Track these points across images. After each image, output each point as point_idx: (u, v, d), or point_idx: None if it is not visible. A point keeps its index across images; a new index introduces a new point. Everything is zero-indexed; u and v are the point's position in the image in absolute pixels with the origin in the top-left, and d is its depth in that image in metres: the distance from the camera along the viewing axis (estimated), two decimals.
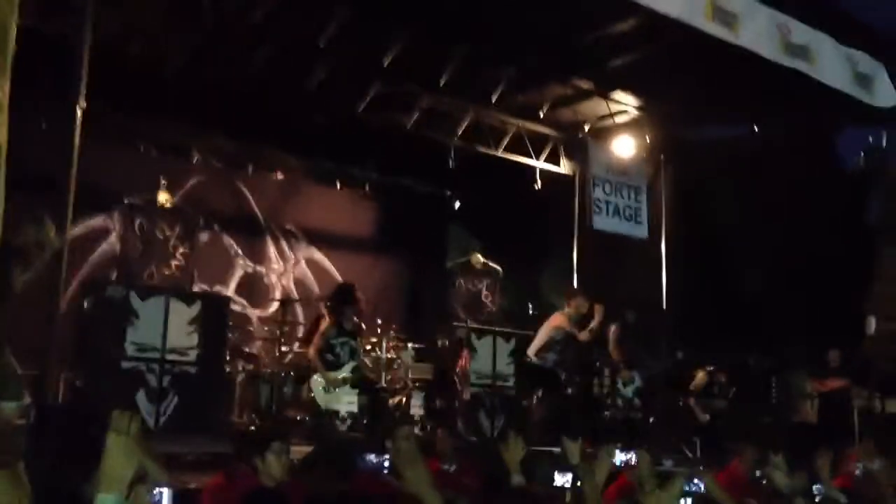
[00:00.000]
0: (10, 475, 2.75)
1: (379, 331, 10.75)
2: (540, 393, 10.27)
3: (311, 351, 8.81)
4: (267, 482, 4.78)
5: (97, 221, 10.96)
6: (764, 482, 5.41)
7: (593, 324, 10.12)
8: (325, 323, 8.99)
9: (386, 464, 5.47)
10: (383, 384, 9.66)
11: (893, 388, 11.31)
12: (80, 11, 7.70)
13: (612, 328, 10.61)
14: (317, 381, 8.63)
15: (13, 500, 2.67)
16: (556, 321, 10.26)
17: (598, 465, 4.80)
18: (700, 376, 11.20)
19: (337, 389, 8.65)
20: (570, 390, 10.57)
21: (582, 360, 10.98)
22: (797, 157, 12.78)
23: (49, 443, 2.65)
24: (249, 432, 8.21)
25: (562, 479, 5.49)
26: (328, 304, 9.34)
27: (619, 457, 5.60)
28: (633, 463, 5.71)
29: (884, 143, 11.47)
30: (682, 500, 4.10)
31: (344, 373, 8.68)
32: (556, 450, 9.17)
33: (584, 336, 10.14)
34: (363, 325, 9.34)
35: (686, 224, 12.55)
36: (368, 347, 10.31)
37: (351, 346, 8.83)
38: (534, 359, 10.18)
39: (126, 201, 9.78)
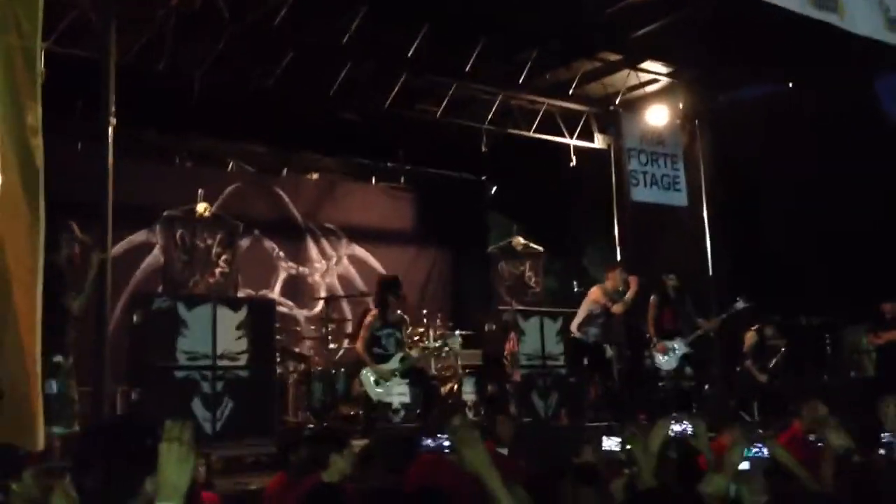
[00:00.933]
0: (60, 492, 2.82)
1: (426, 320, 10.79)
2: (587, 368, 10.22)
3: (359, 345, 8.87)
4: (332, 477, 4.82)
5: (139, 237, 11.16)
6: (820, 444, 5.31)
7: (627, 296, 10.04)
8: (369, 317, 9.04)
9: (446, 443, 5.47)
10: (433, 373, 9.68)
11: None
12: (103, 32, 7.82)
13: (651, 299, 10.49)
14: (367, 374, 8.68)
15: None
16: (593, 295, 10.23)
17: (652, 433, 4.77)
18: (749, 336, 11.05)
19: (388, 381, 8.69)
20: (618, 364, 10.49)
21: (630, 333, 10.90)
22: (836, 112, 12.53)
23: (96, 456, 2.68)
24: (317, 430, 8.30)
25: (608, 444, 5.45)
26: (374, 297, 9.38)
27: (675, 427, 5.53)
28: (689, 432, 5.64)
29: None
30: (745, 466, 4.01)
31: (393, 364, 8.71)
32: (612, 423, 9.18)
33: (616, 309, 10.06)
34: (406, 316, 9.36)
35: (726, 188, 12.39)
36: (416, 338, 10.36)
37: (396, 338, 8.86)
38: (577, 333, 10.15)
39: (166, 214, 9.89)
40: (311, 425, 9.08)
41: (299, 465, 5.10)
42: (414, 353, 9.09)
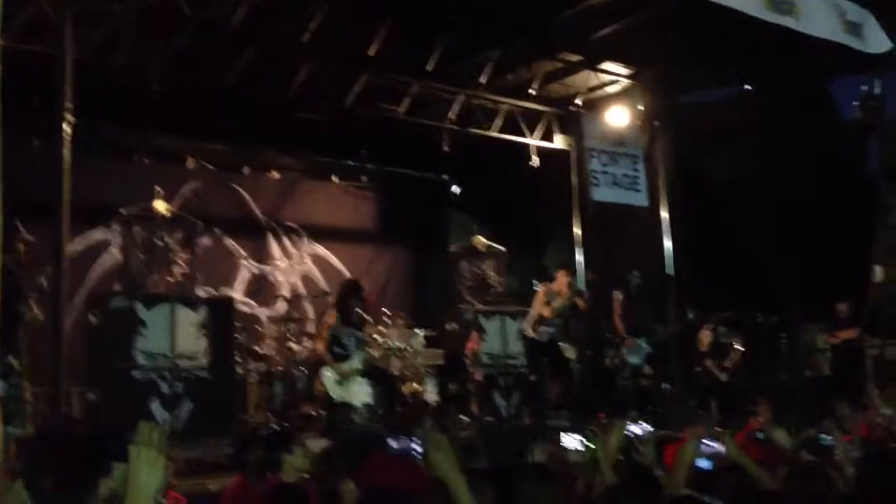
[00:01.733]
0: (12, 495, 2.77)
1: (387, 320, 10.77)
2: (546, 367, 10.27)
3: (319, 345, 8.84)
4: (291, 477, 4.78)
5: (97, 235, 11.01)
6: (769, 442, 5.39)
7: (555, 302, 10.07)
8: (329, 317, 9.02)
9: (414, 445, 5.48)
10: (395, 372, 9.66)
11: None
12: (59, 28, 7.70)
13: (616, 296, 10.59)
14: (327, 374, 8.65)
15: None
16: (539, 295, 10.28)
17: (611, 433, 4.82)
18: (705, 335, 11.20)
19: (349, 381, 8.66)
20: (577, 364, 10.56)
21: (591, 331, 10.99)
22: (793, 112, 12.72)
23: (49, 459, 2.64)
24: (271, 430, 8.26)
25: (568, 442, 5.49)
26: (334, 299, 9.35)
27: (633, 428, 5.60)
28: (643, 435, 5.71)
29: (878, 90, 11.37)
30: (698, 461, 4.06)
31: (354, 363, 8.69)
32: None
33: (545, 312, 10.08)
34: (367, 317, 9.34)
35: (686, 188, 12.51)
36: (378, 337, 10.34)
37: (357, 337, 8.84)
38: (530, 333, 10.15)
39: (124, 212, 9.76)
40: (270, 425, 9.03)
41: (256, 466, 5.07)
42: (375, 352, 9.07)
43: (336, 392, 8.64)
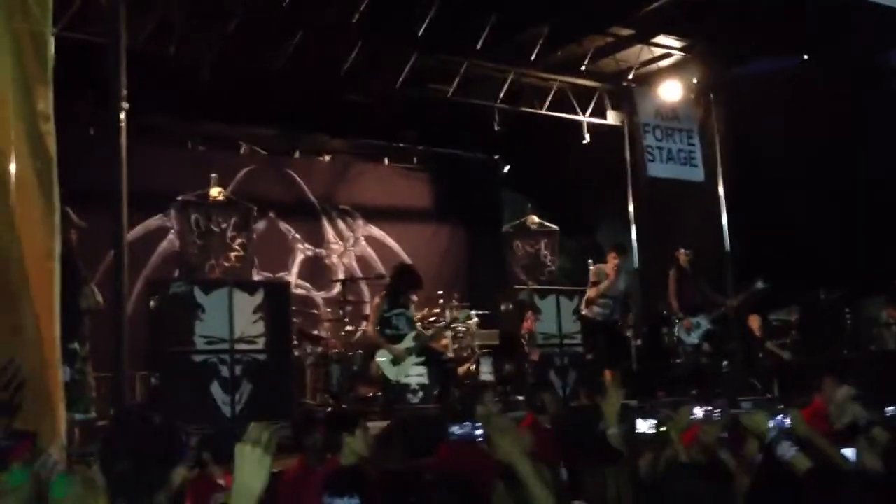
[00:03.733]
0: (83, 478, 2.80)
1: (441, 301, 10.76)
2: (601, 346, 10.20)
3: (369, 328, 8.87)
4: (349, 459, 4.80)
5: (154, 222, 11.18)
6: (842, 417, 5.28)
7: (603, 285, 10.00)
8: (377, 299, 9.05)
9: (477, 431, 5.46)
10: (450, 354, 9.63)
11: None
12: (112, 16, 7.78)
13: (671, 274, 10.45)
14: (383, 355, 8.67)
15: (88, 501, 2.71)
16: (591, 275, 10.23)
17: (680, 415, 4.78)
18: (753, 320, 11.03)
19: (403, 361, 8.67)
20: (638, 341, 10.46)
21: (647, 310, 10.87)
22: (849, 84, 12.40)
23: (127, 444, 2.66)
24: (331, 412, 8.31)
25: (644, 426, 5.44)
26: (387, 282, 9.37)
27: (697, 411, 5.54)
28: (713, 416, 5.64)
29: None
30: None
31: (407, 343, 8.69)
32: (632, 403, 9.16)
33: (591, 293, 10.04)
34: (415, 297, 9.33)
35: (742, 162, 12.28)
36: (433, 318, 10.34)
37: (407, 317, 8.84)
38: (585, 311, 10.10)
39: (180, 199, 9.89)
40: (328, 408, 9.09)
41: (315, 449, 5.08)
42: (428, 332, 9.08)
43: (392, 373, 8.66)
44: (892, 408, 5.44)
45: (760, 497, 3.29)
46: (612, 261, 10.14)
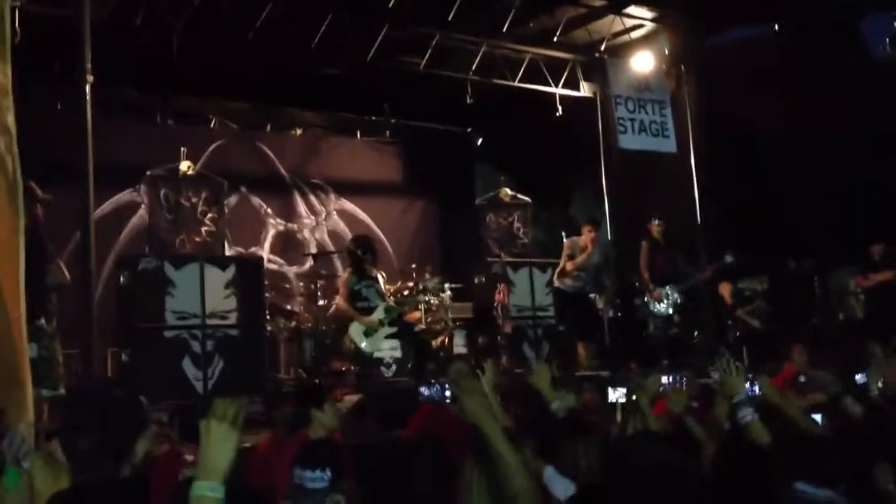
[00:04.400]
0: (45, 455, 2.78)
1: (414, 274, 10.76)
2: (573, 318, 10.26)
3: (340, 301, 8.84)
4: (318, 433, 4.81)
5: (124, 197, 11.10)
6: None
7: (580, 258, 10.08)
8: (344, 274, 9.04)
9: (446, 392, 5.50)
10: (423, 326, 9.64)
11: None
12: None
13: (643, 245, 10.51)
14: (355, 328, 8.66)
15: (49, 478, 2.69)
16: (565, 247, 10.28)
17: (649, 384, 4.84)
18: (724, 287, 11.13)
19: (376, 332, 8.66)
20: (610, 313, 10.52)
21: (619, 281, 10.93)
22: (822, 52, 12.45)
23: (87, 418, 2.64)
24: (300, 386, 8.32)
25: (615, 395, 5.50)
26: (345, 255, 9.37)
27: (665, 379, 5.61)
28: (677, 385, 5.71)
29: None
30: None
31: (379, 314, 8.68)
32: (604, 373, 9.24)
33: (568, 265, 10.13)
34: (383, 273, 9.32)
35: (714, 133, 12.32)
36: (406, 292, 10.34)
37: (376, 289, 8.83)
38: (557, 283, 10.17)
39: (149, 173, 9.78)
40: (300, 382, 9.09)
41: (285, 422, 5.09)
42: (401, 305, 9.09)
43: (365, 344, 8.66)
44: (860, 375, 5.51)
45: (726, 462, 3.32)
46: (588, 234, 10.19)
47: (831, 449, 3.40)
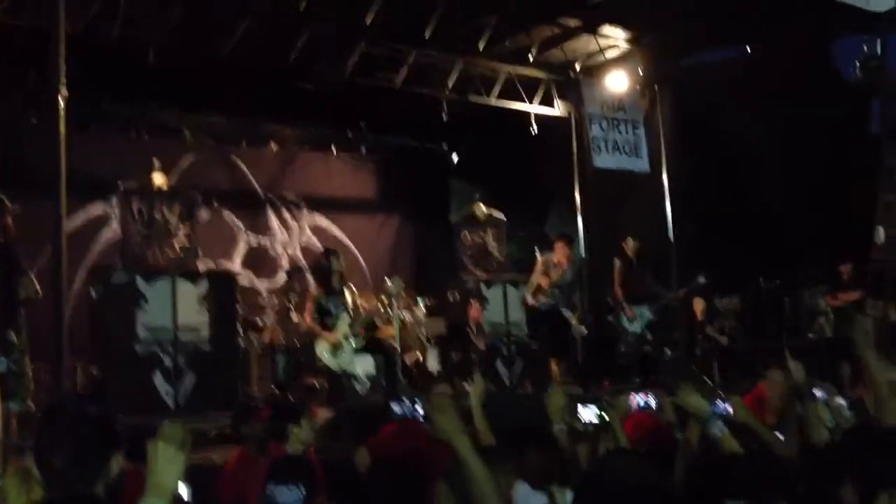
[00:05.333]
0: (19, 469, 2.75)
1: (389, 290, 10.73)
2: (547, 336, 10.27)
3: (307, 317, 8.84)
4: (294, 448, 4.78)
5: (96, 209, 11.01)
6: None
7: (553, 273, 10.08)
8: (312, 289, 9.03)
9: (419, 409, 5.50)
10: (396, 344, 9.60)
11: None
12: (52, 0, 7.61)
13: (616, 264, 10.57)
14: (321, 344, 8.65)
15: (22, 493, 2.67)
16: (538, 265, 10.27)
17: (621, 402, 4.86)
18: (697, 303, 11.22)
19: (342, 349, 8.64)
20: (583, 330, 10.55)
21: (592, 299, 10.98)
22: (794, 74, 12.61)
23: (62, 434, 2.62)
24: (276, 402, 8.26)
25: (586, 414, 5.51)
26: (312, 270, 9.39)
27: (638, 398, 5.63)
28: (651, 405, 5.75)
29: (878, 51, 11.27)
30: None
31: (342, 329, 8.66)
32: (577, 391, 9.25)
33: (543, 282, 10.12)
34: (353, 287, 9.31)
35: (687, 153, 12.44)
36: (381, 309, 10.33)
37: (343, 304, 8.82)
38: (531, 301, 10.14)
39: (122, 186, 9.72)
40: (272, 398, 9.03)
41: (256, 439, 5.05)
42: (374, 321, 9.08)
43: (333, 362, 8.64)
44: (820, 392, 5.57)
45: (695, 479, 3.33)
46: (562, 249, 10.17)
47: (793, 468, 3.43)
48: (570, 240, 10.63)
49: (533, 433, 4.15)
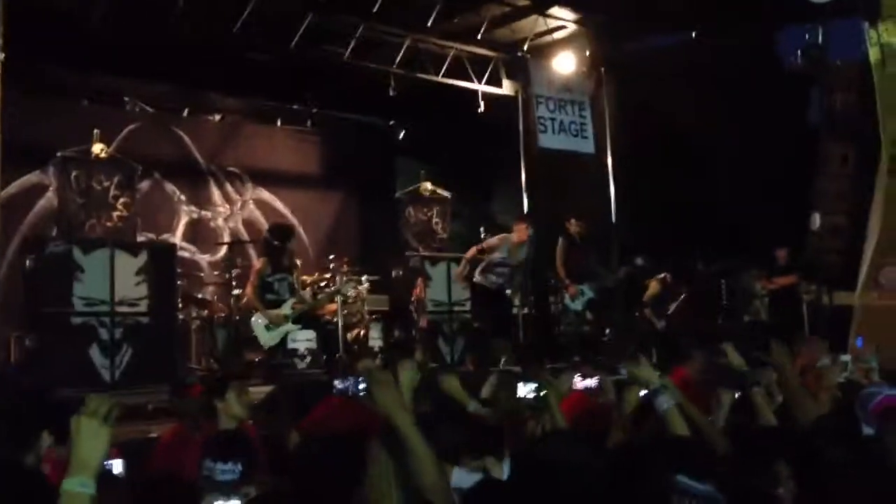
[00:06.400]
0: None
1: (332, 266, 10.70)
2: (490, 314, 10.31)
3: (249, 291, 8.77)
4: (227, 424, 4.74)
5: (32, 178, 10.71)
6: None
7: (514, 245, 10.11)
8: (258, 263, 8.95)
9: (361, 385, 5.49)
10: (338, 319, 9.59)
11: (839, 281, 11.56)
12: None
13: (559, 243, 10.66)
14: (257, 320, 8.58)
15: None
16: (491, 241, 10.26)
17: (560, 381, 4.91)
18: (653, 285, 11.36)
19: (279, 326, 8.58)
20: (525, 310, 10.63)
21: (535, 279, 11.05)
22: (737, 61, 12.78)
23: None
24: (208, 376, 8.19)
25: (524, 391, 5.54)
26: (261, 244, 9.28)
27: (585, 382, 5.70)
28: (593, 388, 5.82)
29: (820, 40, 11.47)
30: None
31: (285, 309, 8.59)
32: (516, 369, 9.32)
33: (510, 259, 10.13)
34: (298, 262, 9.26)
35: (631, 135, 12.56)
36: (323, 284, 10.29)
37: (289, 282, 8.75)
38: (478, 278, 10.16)
39: (60, 155, 9.50)
40: (207, 372, 8.96)
41: (191, 414, 4.99)
42: (316, 297, 9.02)
43: (265, 338, 8.58)
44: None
45: (626, 454, 3.36)
46: (525, 230, 10.15)
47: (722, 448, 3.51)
48: (531, 221, 10.64)
49: (445, 412, 4.17)
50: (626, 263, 10.91)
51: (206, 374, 8.75)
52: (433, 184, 12.85)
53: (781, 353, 4.75)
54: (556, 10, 11.76)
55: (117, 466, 3.90)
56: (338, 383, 5.76)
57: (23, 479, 2.42)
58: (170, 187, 12.19)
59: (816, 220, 11.91)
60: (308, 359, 8.73)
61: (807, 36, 11.70)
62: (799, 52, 11.68)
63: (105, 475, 2.28)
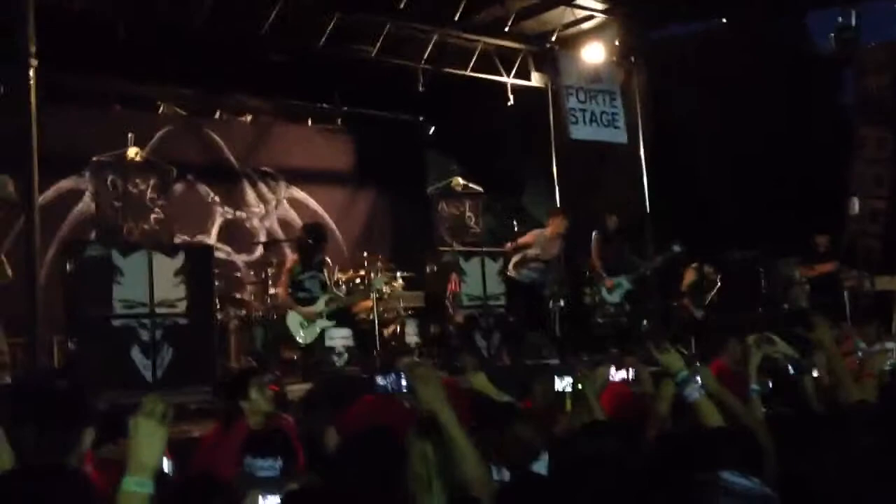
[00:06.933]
0: None
1: (366, 263, 10.73)
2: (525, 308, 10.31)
3: (280, 290, 8.86)
4: (255, 421, 4.74)
5: (68, 183, 10.89)
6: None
7: (551, 247, 10.12)
8: (289, 262, 9.02)
9: (403, 382, 5.48)
10: (373, 316, 9.62)
11: (880, 266, 11.41)
12: None
13: (594, 236, 10.63)
14: (293, 318, 8.66)
15: None
16: (525, 238, 10.27)
17: (598, 373, 4.88)
18: (689, 274, 11.26)
19: (314, 323, 8.66)
20: (560, 303, 10.59)
21: (570, 272, 11.02)
22: (768, 46, 12.65)
23: (30, 410, 2.62)
24: (228, 376, 8.24)
25: (561, 385, 5.52)
26: (294, 243, 9.36)
27: (614, 372, 5.66)
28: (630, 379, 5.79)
29: (853, 22, 11.31)
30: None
31: (319, 306, 8.67)
32: (554, 362, 9.31)
33: (544, 254, 10.15)
34: (328, 260, 9.33)
35: (664, 124, 12.47)
36: (357, 281, 10.32)
37: (320, 280, 8.83)
38: (512, 273, 10.18)
39: (95, 159, 9.60)
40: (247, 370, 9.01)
41: (225, 413, 5.02)
42: (351, 295, 9.07)
43: (300, 335, 8.66)
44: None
45: (664, 447, 3.33)
46: (561, 223, 10.18)
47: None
48: (566, 214, 10.67)
49: (509, 411, 4.16)
50: (662, 250, 10.83)
51: (225, 377, 8.80)
52: (464, 178, 12.83)
53: (824, 329, 4.69)
54: (583, 1, 11.69)
55: (166, 466, 3.94)
56: (379, 380, 5.76)
57: (67, 481, 2.46)
58: (203, 189, 12.30)
59: (855, 204, 11.75)
60: (345, 356, 8.76)
61: (839, 18, 11.55)
62: (832, 35, 11.54)
63: (159, 475, 2.31)
